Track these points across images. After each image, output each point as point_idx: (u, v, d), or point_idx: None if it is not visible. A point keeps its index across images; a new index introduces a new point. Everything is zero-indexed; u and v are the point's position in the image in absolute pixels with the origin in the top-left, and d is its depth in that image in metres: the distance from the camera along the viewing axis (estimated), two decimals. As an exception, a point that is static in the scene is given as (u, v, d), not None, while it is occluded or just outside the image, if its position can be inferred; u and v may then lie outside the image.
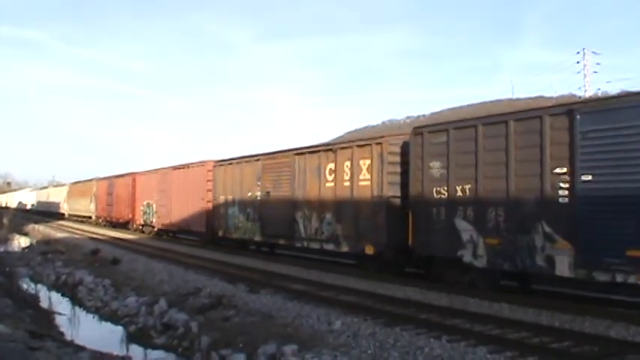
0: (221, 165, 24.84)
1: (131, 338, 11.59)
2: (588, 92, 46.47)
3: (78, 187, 54.39)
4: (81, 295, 16.15)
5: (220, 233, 24.62)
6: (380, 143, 15.77)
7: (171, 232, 32.80)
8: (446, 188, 13.77)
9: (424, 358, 8.27)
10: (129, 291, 15.20)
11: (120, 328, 12.50)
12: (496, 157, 12.70)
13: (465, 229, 13.27)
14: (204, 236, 26.75)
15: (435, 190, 14.06)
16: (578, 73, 48.96)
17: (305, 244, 18.71)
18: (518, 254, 12.15)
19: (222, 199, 24.51)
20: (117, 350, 10.32)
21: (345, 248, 16.92)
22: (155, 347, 10.84)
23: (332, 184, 17.41)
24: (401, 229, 15.14)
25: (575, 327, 9.67)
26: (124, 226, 39.39)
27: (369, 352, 8.60)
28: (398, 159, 15.60)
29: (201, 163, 27.23)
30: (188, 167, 28.74)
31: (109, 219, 42.71)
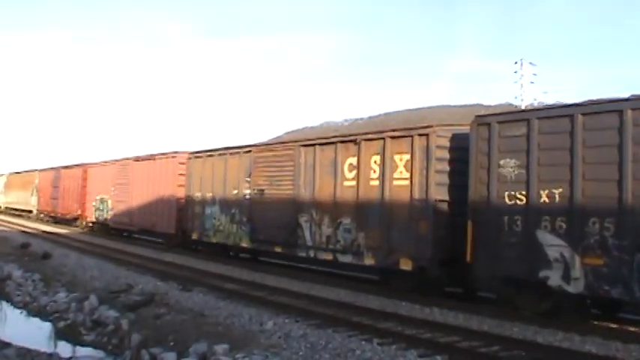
0: (198, 157, 20.75)
1: (60, 335, 11.18)
2: (525, 102, 46.69)
3: (17, 178, 48.44)
4: (9, 289, 15.17)
5: (194, 236, 20.52)
6: (425, 134, 12.29)
7: (127, 232, 28.31)
8: (524, 192, 10.48)
9: None
10: (59, 286, 14.46)
11: (48, 325, 11.97)
12: (603, 155, 9.52)
13: (552, 244, 10.02)
14: (173, 238, 22.56)
15: (507, 194, 10.72)
16: (516, 82, 48.40)
17: (311, 253, 15.02)
18: (635, 279, 8.96)
19: (198, 196, 20.43)
20: (45, 347, 10.05)
21: (369, 261, 13.34)
22: (84, 344, 10.39)
23: (352, 182, 13.81)
24: (449, 241, 11.79)
25: (504, 332, 9.54)
26: (70, 222, 34.37)
27: (301, 353, 8.38)
28: (447, 155, 12.18)
29: (172, 155, 23.03)
30: (155, 159, 24.41)
31: (53, 214, 37.51)
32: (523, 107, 43.99)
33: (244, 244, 17.76)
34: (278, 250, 16.26)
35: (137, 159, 26.24)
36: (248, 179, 17.56)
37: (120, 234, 28.94)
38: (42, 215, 40.09)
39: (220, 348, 8.27)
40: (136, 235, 28.02)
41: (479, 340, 8.96)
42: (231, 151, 18.84)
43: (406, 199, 12.51)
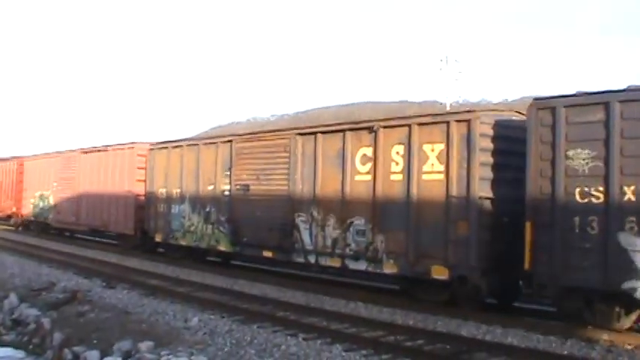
0: (162, 148, 17.75)
1: None
2: (450, 99, 46.03)
3: None
4: None
5: (158, 238, 17.54)
6: (466, 121, 10.08)
7: (71, 232, 24.79)
8: (602, 189, 8.48)
9: (280, 355, 7.88)
10: None
11: None
12: None
13: (641, 250, 8.04)
14: (131, 240, 19.44)
15: (578, 190, 8.71)
16: (440, 80, 47.47)
17: (311, 259, 12.56)
18: None
19: (162, 193, 17.45)
20: None
21: (390, 269, 11.03)
22: (3, 344, 9.88)
23: (367, 177, 11.46)
24: (494, 245, 9.69)
25: (428, 326, 9.43)
26: (3, 221, 30.14)
27: (226, 349, 8.15)
28: (490, 144, 10.04)
29: (130, 146, 19.85)
30: (107, 150, 21.07)
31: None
32: (448, 105, 43.71)
33: (223, 248, 15.03)
34: (267, 254, 13.66)
35: (85, 151, 22.77)
36: (227, 173, 14.84)
37: (60, 234, 25.33)
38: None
39: (145, 345, 7.97)
40: (80, 236, 24.59)
41: (404, 334, 8.86)
42: (205, 141, 16.05)
43: (440, 196, 10.28)
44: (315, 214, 12.43)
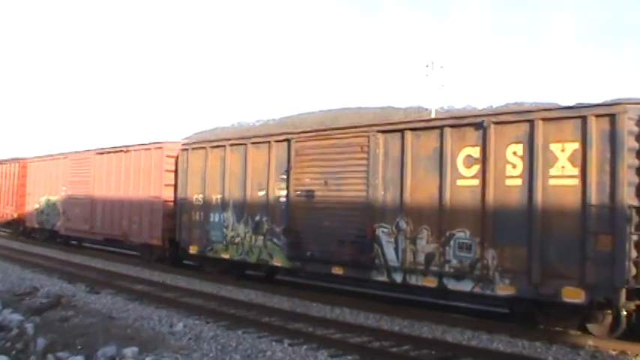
0: (198, 148, 16.18)
1: None
2: (435, 105, 46.87)
3: None
4: None
5: (194, 250, 15.94)
6: (609, 115, 8.66)
7: (83, 241, 23.16)
8: None
9: None
10: None
11: None
12: None
13: None
14: (157, 251, 17.83)
15: None
16: (426, 86, 48.11)
17: (397, 277, 11.07)
18: None
19: (198, 199, 15.89)
20: None
21: (505, 290, 9.55)
22: None
23: (474, 181, 10.01)
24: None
25: (414, 331, 9.67)
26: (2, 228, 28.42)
27: (211, 354, 8.27)
28: (636, 144, 8.63)
29: (157, 146, 18.25)
30: (128, 151, 19.48)
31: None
32: (433, 111, 44.67)
33: (277, 263, 13.47)
34: (337, 271, 12.13)
35: (101, 151, 21.14)
36: (284, 177, 13.33)
37: (66, 243, 23.68)
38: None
39: (129, 351, 8.01)
40: (89, 245, 23.00)
41: (389, 339, 9.04)
42: (254, 139, 14.49)
43: (573, 205, 8.85)
44: (402, 224, 10.94)
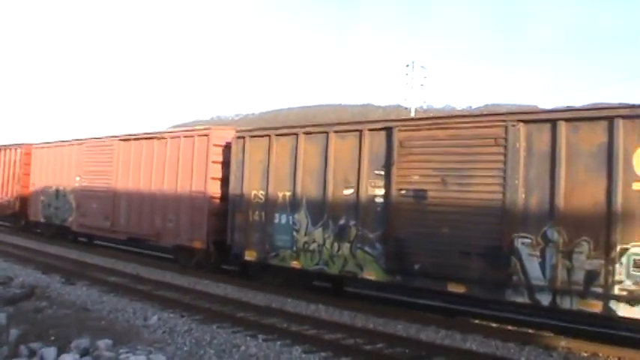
0: (259, 136, 14.24)
1: None
2: (414, 104, 48.90)
3: None
4: None
5: (250, 256, 14.01)
6: None
7: (100, 239, 21.16)
8: None
9: (240, 356, 8.29)
10: None
11: None
12: None
13: None
14: (200, 256, 15.89)
15: None
16: (406, 85, 49.40)
17: (543, 299, 9.26)
18: None
19: (257, 195, 13.98)
20: None
21: None
22: None
23: (666, 185, 8.18)
24: None
25: (388, 329, 9.92)
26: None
27: (185, 348, 8.52)
28: None
29: (201, 132, 16.27)
30: (163, 138, 17.46)
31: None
32: (412, 110, 46.84)
33: (371, 276, 11.59)
34: (457, 289, 10.29)
35: (126, 138, 19.12)
36: (381, 173, 11.46)
37: (75, 240, 21.66)
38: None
39: (103, 343, 8.09)
40: (107, 244, 21.03)
41: (363, 337, 9.29)
42: (338, 127, 12.58)
43: None
44: (552, 234, 9.13)
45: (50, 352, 8.12)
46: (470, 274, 10.04)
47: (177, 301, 11.58)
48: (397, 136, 11.24)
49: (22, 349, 8.44)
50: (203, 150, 15.79)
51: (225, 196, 15.30)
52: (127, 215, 18.55)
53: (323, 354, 8.46)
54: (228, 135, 15.54)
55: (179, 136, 16.83)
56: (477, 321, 10.89)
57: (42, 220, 23.19)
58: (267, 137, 13.88)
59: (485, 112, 10.67)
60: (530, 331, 10.08)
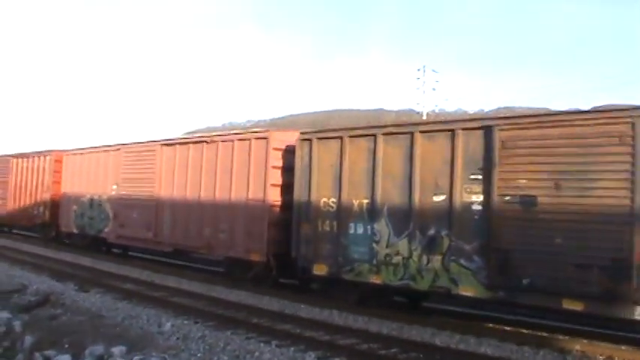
0: (328, 138, 13.79)
1: None
2: (426, 108, 50.85)
3: None
4: None
5: (320, 270, 13.54)
6: None
7: (137, 250, 20.89)
8: None
9: None
10: None
11: None
12: None
13: None
14: (258, 269, 15.48)
15: None
16: (418, 89, 52.20)
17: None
18: None
19: (328, 203, 13.54)
20: None
21: None
22: None
23: None
24: None
25: (402, 334, 10.42)
26: (28, 230, 26.25)
27: (199, 355, 8.84)
28: None
29: (259, 135, 15.86)
30: (213, 142, 17.08)
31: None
32: (424, 114, 48.88)
33: (468, 292, 11.04)
34: (574, 306, 9.68)
35: (170, 142, 18.84)
36: (479, 177, 10.96)
37: (109, 252, 21.44)
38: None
39: (117, 350, 8.47)
40: (148, 257, 20.78)
41: (378, 342, 9.76)
42: (425, 127, 12.09)
43: None
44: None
45: (65, 359, 8.57)
46: (589, 290, 9.46)
47: (191, 308, 12.16)
48: (498, 135, 10.72)
49: (37, 356, 8.85)
50: (261, 154, 15.39)
51: (285, 205, 14.91)
52: (171, 225, 18.22)
53: (337, 359, 8.89)
54: (289, 137, 15.14)
55: (232, 140, 16.44)
56: (491, 325, 11.56)
57: (75, 230, 22.99)
58: (339, 139, 13.43)
59: (606, 108, 10.06)
60: (545, 334, 10.57)
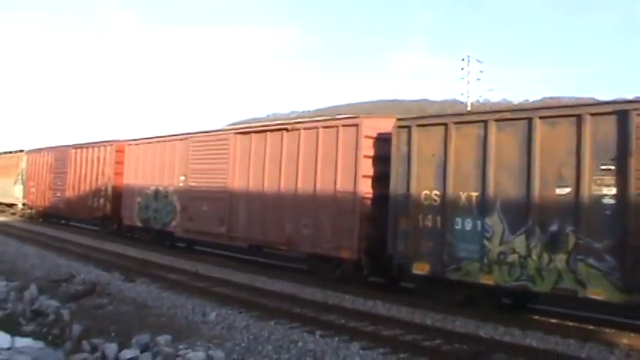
0: (429, 125, 13.44)
1: None
2: (471, 99, 52.00)
3: None
4: (-57, 280, 15.87)
5: (420, 269, 13.19)
6: None
7: (210, 245, 20.94)
8: None
9: (298, 351, 8.98)
10: None
11: None
12: None
13: None
14: (348, 267, 15.27)
15: None
16: (462, 79, 53.37)
17: None
18: None
19: (427, 196, 13.21)
20: None
21: None
22: (23, 335, 10.79)
23: None
24: None
25: (446, 326, 10.88)
26: (83, 222, 26.62)
27: (243, 344, 9.29)
28: None
29: (348, 122, 15.55)
30: (295, 129, 16.84)
31: (51, 210, 29.46)
32: (469, 104, 50.21)
33: (598, 295, 10.55)
34: None
35: (246, 130, 18.73)
36: (609, 167, 10.46)
37: (173, 246, 21.52)
38: (30, 211, 32.03)
39: (163, 339, 8.96)
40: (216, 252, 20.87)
41: (422, 333, 10.16)
42: (544, 112, 11.62)
43: None
44: None
45: (111, 347, 9.07)
46: None
47: (235, 298, 12.75)
48: (636, 121, 10.21)
49: (85, 344, 9.49)
50: (351, 143, 15.08)
51: (377, 197, 14.63)
52: (246, 219, 18.13)
53: (381, 350, 9.19)
54: (382, 125, 14.84)
55: (316, 127, 16.18)
56: (536, 317, 11.90)
57: (138, 223, 23.17)
58: (443, 126, 13.03)
59: None
60: (591, 327, 10.85)
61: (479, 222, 12.26)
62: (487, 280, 12.06)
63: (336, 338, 9.70)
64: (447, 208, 12.80)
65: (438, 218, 12.96)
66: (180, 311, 11.64)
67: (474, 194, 12.38)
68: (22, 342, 10.54)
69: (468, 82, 52.45)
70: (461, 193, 12.61)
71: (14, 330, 11.27)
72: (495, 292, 12.39)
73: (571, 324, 11.17)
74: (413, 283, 14.25)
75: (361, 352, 9.07)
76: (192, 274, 15.82)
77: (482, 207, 12.20)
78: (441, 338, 9.88)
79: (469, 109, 45.47)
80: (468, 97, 52.36)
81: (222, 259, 19.16)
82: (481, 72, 53.12)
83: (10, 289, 13.65)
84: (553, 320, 11.44)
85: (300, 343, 9.37)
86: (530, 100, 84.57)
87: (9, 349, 9.89)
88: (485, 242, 12.11)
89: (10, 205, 35.97)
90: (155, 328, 9.91)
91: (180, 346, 8.82)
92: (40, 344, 10.44)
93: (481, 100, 55.14)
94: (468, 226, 12.46)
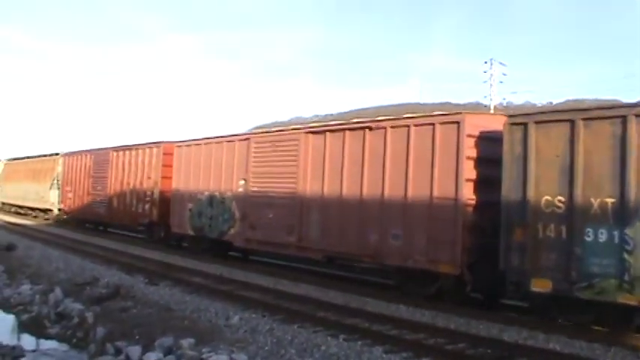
0: (549, 122, 12.64)
1: (23, 327, 13.01)
2: (494, 101, 54.05)
3: (21, 166, 40.26)
4: (-29, 282, 16.99)
5: (540, 286, 12.36)
6: None
7: (279, 257, 20.43)
8: None
9: (321, 355, 9.60)
10: (23, 278, 16.69)
11: (12, 317, 13.87)
12: None
13: None
14: (447, 283, 14.51)
15: None
16: (485, 82, 55.20)
17: None
18: None
19: (549, 203, 12.41)
20: (7, 340, 11.38)
21: None
22: (48, 337, 11.98)
23: None
24: None
25: (470, 330, 11.43)
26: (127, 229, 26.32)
27: (267, 348, 9.87)
28: None
29: (446, 119, 14.76)
30: (379, 127, 16.08)
31: (92, 217, 29.22)
32: (492, 107, 52.38)
33: None
34: None
35: (319, 130, 18.10)
36: None
37: (225, 256, 21.05)
38: (66, 217, 31.92)
39: (186, 342, 9.57)
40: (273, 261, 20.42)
41: (445, 337, 10.77)
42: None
43: None
44: None
45: (135, 350, 9.68)
46: None
47: (259, 301, 13.45)
48: None
49: (109, 347, 10.12)
50: (451, 142, 14.33)
51: (482, 204, 13.93)
52: (320, 228, 17.45)
53: (404, 354, 9.73)
54: (485, 122, 14.24)
55: (407, 125, 15.43)
56: (560, 321, 12.20)
57: (190, 232, 22.66)
58: (568, 123, 12.26)
59: None
60: (616, 332, 11.24)
61: (616, 232, 11.47)
62: (627, 299, 11.26)
63: (359, 342, 10.34)
64: (574, 216, 12.03)
65: (563, 228, 12.19)
66: (204, 314, 12.34)
67: (610, 200, 11.60)
68: (46, 344, 11.82)
69: (491, 84, 54.55)
70: (592, 199, 11.83)
71: (39, 332, 12.62)
72: (635, 313, 11.59)
73: (596, 328, 11.54)
74: (527, 302, 13.47)
75: (384, 355, 9.67)
76: (215, 278, 16.86)
77: (621, 215, 11.41)
78: (465, 342, 10.46)
79: (492, 112, 46.41)
80: (491, 99, 54.37)
81: (243, 262, 21.13)
82: (504, 74, 55.70)
83: (35, 292, 14.75)
84: (577, 324, 11.91)
85: (323, 347, 9.97)
86: (554, 103, 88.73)
87: (34, 351, 10.96)
88: (626, 256, 11.31)
89: (45, 211, 35.94)
90: (178, 331, 10.48)
91: (203, 350, 9.41)
92: (64, 347, 11.57)
93: (504, 103, 57.39)
94: (602, 237, 11.67)
